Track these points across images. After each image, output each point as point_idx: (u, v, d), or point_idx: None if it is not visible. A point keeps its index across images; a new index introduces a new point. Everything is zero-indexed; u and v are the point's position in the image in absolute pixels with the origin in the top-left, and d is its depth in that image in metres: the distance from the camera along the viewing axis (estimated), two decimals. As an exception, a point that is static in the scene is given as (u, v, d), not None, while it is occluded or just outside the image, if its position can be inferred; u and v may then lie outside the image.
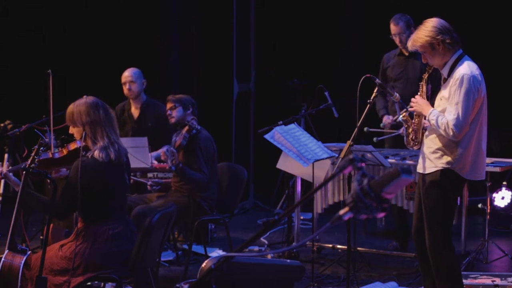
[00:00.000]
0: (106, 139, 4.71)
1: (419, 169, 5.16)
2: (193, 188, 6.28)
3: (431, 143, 5.07)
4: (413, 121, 5.23)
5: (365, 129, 6.28)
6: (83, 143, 4.72)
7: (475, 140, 5.01)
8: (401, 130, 6.70)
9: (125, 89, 7.20)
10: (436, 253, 5.06)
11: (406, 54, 6.94)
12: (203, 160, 6.25)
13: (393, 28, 6.94)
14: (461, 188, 5.35)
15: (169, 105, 6.44)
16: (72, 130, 4.83)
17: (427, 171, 5.08)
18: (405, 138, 5.30)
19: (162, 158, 6.21)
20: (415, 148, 5.29)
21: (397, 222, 7.14)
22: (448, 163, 5.00)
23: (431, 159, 5.05)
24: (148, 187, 6.62)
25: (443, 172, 5.01)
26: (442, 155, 5.01)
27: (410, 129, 5.24)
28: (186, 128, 6.32)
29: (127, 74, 7.20)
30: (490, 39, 9.22)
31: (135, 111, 7.29)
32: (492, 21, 9.24)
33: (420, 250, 5.26)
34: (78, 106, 4.77)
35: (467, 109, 4.89)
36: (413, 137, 5.23)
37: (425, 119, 5.11)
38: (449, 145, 4.99)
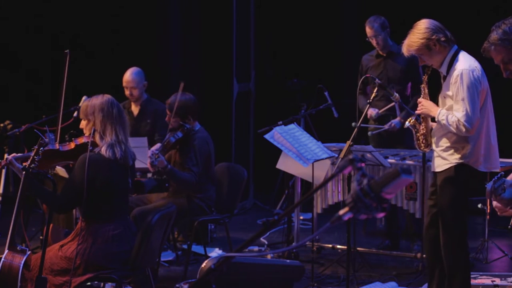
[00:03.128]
0: (114, 137, 4.74)
1: (433, 168, 5.19)
2: (184, 189, 6.25)
3: (440, 142, 5.09)
4: (421, 126, 5.21)
5: (353, 124, 6.30)
6: (92, 139, 4.74)
7: (484, 132, 5.02)
8: (387, 126, 6.73)
9: (127, 92, 7.25)
10: (450, 252, 5.05)
11: (384, 55, 7.02)
12: (195, 160, 6.22)
13: (368, 31, 7.04)
14: (476, 183, 5.28)
15: (168, 113, 6.39)
16: (82, 124, 4.86)
17: (441, 169, 5.08)
18: (415, 142, 5.30)
19: (148, 162, 6.12)
20: (426, 150, 5.31)
21: (387, 222, 7.19)
22: (461, 157, 5.01)
23: (444, 157, 5.05)
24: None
25: (457, 167, 5.02)
26: (454, 152, 5.03)
27: (419, 134, 5.23)
28: (180, 128, 6.31)
29: (129, 79, 7.22)
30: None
31: (135, 109, 7.34)
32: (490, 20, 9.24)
33: (429, 250, 5.24)
34: (94, 101, 4.84)
35: (474, 103, 4.89)
36: (423, 141, 5.23)
37: (432, 120, 5.11)
38: (460, 140, 5.00)
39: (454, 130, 4.93)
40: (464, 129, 4.89)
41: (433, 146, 5.15)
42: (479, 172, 5.06)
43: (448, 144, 5.04)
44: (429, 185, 5.52)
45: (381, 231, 7.81)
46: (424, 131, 5.20)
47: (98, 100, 4.82)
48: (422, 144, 5.25)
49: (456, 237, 5.04)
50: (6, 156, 4.98)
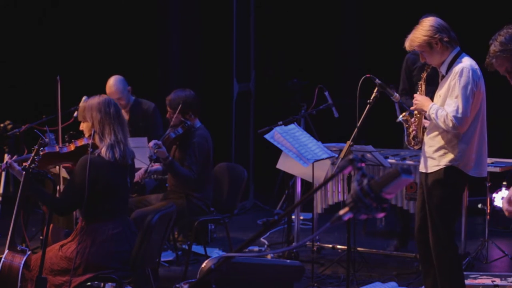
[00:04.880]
0: (113, 137, 4.75)
1: (421, 168, 5.15)
2: (181, 184, 6.25)
3: (432, 142, 5.07)
4: (413, 120, 5.23)
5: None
6: (92, 140, 4.75)
7: (477, 136, 5.01)
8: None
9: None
10: (440, 253, 5.06)
11: None
12: (194, 157, 6.21)
13: None
14: (464, 186, 5.32)
15: (169, 109, 6.40)
16: (82, 126, 4.87)
17: (430, 170, 5.07)
18: (405, 138, 5.30)
19: (149, 152, 6.11)
20: (416, 148, 5.29)
21: (401, 222, 7.11)
22: (451, 160, 4.99)
23: (434, 158, 5.04)
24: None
25: (446, 170, 5.00)
26: (445, 153, 5.01)
27: (411, 129, 5.25)
28: (181, 124, 6.32)
29: (113, 91, 7.09)
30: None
31: (125, 114, 7.26)
32: (490, 21, 9.24)
33: (422, 250, 5.26)
34: (90, 102, 4.85)
35: (467, 101, 4.89)
36: (414, 137, 5.23)
37: (426, 118, 5.11)
38: (452, 141, 4.99)
39: (442, 125, 4.91)
40: (451, 124, 4.88)
41: (424, 146, 5.14)
42: (468, 176, 5.05)
43: (440, 144, 5.02)
44: (419, 186, 5.50)
45: (383, 231, 7.82)
46: (416, 127, 5.20)
47: (95, 100, 4.83)
48: (412, 141, 5.25)
49: (444, 238, 5.05)
50: (6, 157, 4.98)
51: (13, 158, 4.89)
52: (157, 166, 6.59)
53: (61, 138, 5.85)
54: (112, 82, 7.14)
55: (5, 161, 4.95)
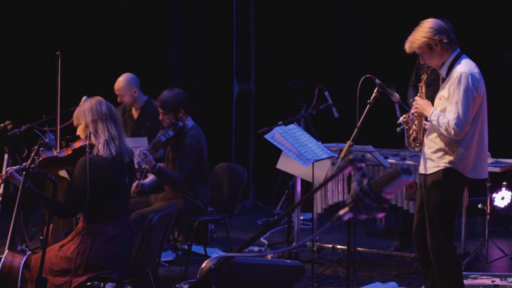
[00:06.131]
0: (106, 133, 4.78)
1: (421, 170, 5.16)
2: (174, 188, 6.26)
3: (432, 143, 5.07)
4: (414, 123, 5.22)
5: (398, 129, 6.24)
6: (89, 142, 4.76)
7: (476, 138, 5.01)
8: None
9: (118, 99, 7.19)
10: (438, 253, 5.07)
11: None
12: (185, 159, 6.21)
13: None
14: (463, 188, 5.33)
15: (160, 110, 6.40)
16: (78, 130, 4.90)
17: (429, 172, 5.07)
18: (406, 139, 5.30)
19: (137, 159, 6.10)
20: (416, 149, 5.29)
21: (403, 222, 7.09)
22: (450, 162, 4.99)
23: (433, 159, 5.05)
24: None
25: (445, 171, 5.01)
26: (444, 155, 5.01)
27: (411, 131, 5.24)
28: (172, 126, 6.32)
29: (116, 87, 7.15)
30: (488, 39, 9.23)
31: (135, 112, 7.30)
32: (490, 22, 9.25)
33: (420, 250, 5.26)
34: (83, 105, 4.92)
35: (467, 108, 4.89)
36: (414, 138, 5.23)
37: (426, 120, 5.11)
38: (451, 144, 4.99)
39: (443, 132, 4.93)
40: (453, 132, 4.89)
41: (424, 148, 5.14)
42: (466, 178, 5.05)
43: (440, 146, 5.02)
44: (418, 187, 5.51)
45: (383, 231, 7.81)
46: (416, 129, 5.21)
47: (87, 103, 4.90)
48: (412, 142, 5.25)
49: (442, 239, 5.05)
50: (4, 169, 4.97)
51: (13, 168, 4.88)
52: (149, 179, 6.60)
53: (59, 137, 5.84)
54: (120, 78, 7.20)
55: (4, 171, 4.95)
